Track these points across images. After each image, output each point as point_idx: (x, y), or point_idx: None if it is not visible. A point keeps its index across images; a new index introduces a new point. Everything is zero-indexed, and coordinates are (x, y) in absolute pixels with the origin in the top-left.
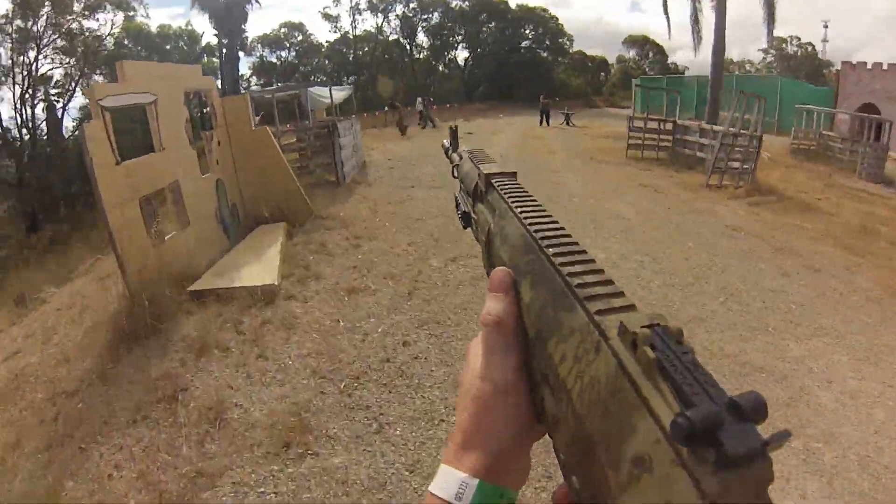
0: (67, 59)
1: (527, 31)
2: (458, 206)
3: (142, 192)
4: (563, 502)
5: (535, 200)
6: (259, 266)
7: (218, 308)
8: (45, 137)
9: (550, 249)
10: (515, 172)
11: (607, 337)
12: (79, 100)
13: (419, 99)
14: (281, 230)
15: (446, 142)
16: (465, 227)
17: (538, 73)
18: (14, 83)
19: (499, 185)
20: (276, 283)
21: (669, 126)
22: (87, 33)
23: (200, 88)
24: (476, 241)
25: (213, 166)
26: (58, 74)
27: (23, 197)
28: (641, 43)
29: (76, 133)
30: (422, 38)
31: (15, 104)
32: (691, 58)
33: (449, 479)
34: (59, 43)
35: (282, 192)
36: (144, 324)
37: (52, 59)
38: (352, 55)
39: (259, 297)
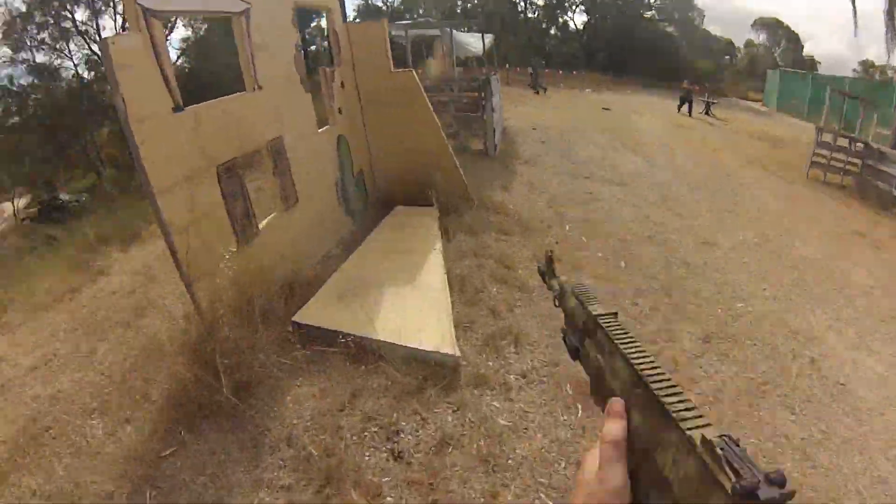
0: None
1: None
2: (565, 338)
3: (222, 156)
4: None
5: (634, 341)
6: (415, 295)
7: (344, 369)
8: None
9: (653, 385)
10: (616, 313)
11: (695, 445)
12: (182, 31)
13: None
14: (433, 221)
15: (541, 265)
16: (573, 360)
17: (662, 49)
18: (116, 12)
19: (606, 326)
20: (456, 354)
21: (860, 146)
22: None
23: (317, 4)
24: (586, 372)
25: (335, 117)
26: None
27: None
28: (773, 27)
29: (177, 62)
30: None
31: (117, 33)
32: (826, 49)
33: None
34: None
35: (431, 165)
36: (220, 396)
37: None
38: (459, 5)
39: (422, 368)
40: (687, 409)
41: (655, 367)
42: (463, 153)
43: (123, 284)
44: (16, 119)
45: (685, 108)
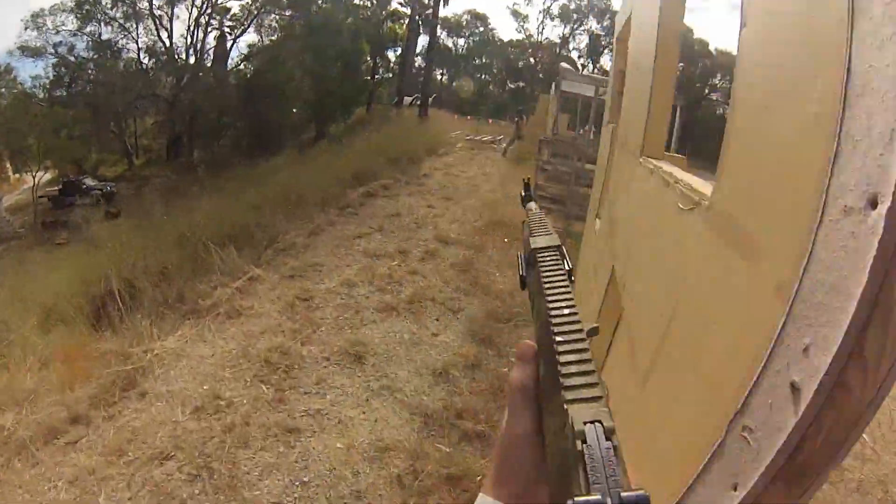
0: None
1: (717, 81)
2: (518, 267)
3: None
4: None
5: (564, 283)
6: None
7: None
8: (210, 65)
9: (557, 337)
10: (559, 245)
11: (568, 424)
12: (250, 36)
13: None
14: None
15: (521, 192)
16: (522, 289)
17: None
18: (193, 4)
19: (540, 260)
20: None
21: None
22: None
23: None
24: (529, 301)
25: None
26: (235, 7)
27: (174, 115)
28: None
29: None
30: (605, 60)
31: (188, 26)
32: None
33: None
34: None
35: None
36: None
37: None
38: (522, 61)
39: None
40: (582, 374)
41: (571, 317)
42: None
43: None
44: (64, 91)
45: None
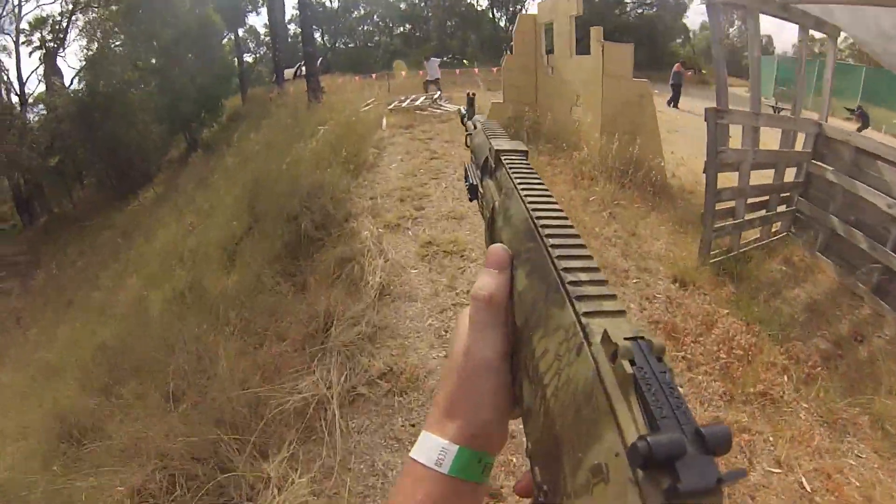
0: None
1: None
2: (466, 177)
3: None
4: (524, 490)
5: (542, 184)
6: None
7: None
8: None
9: (549, 240)
10: (527, 151)
11: (590, 342)
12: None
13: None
14: None
15: (463, 109)
16: (471, 200)
17: (646, 36)
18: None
19: (508, 163)
20: None
21: None
22: None
23: None
24: (481, 216)
25: None
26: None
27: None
28: (729, 9)
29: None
30: None
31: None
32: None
33: (430, 444)
34: None
35: None
36: None
37: None
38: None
39: None
40: (592, 283)
41: (559, 217)
42: None
43: None
44: None
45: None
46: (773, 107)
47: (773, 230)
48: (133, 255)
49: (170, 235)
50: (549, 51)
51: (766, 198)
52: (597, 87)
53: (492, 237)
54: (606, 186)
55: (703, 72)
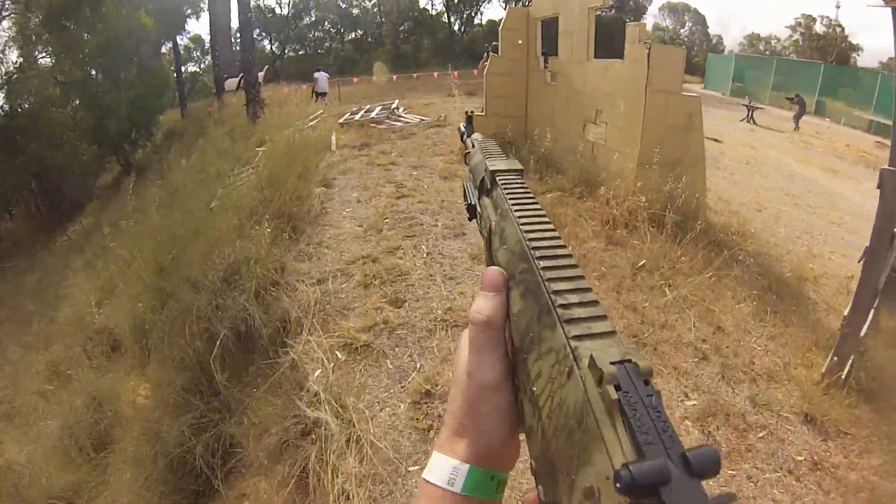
0: None
1: None
2: (465, 195)
3: None
4: None
5: (536, 204)
6: None
7: None
8: None
9: (541, 262)
10: (522, 170)
11: (579, 366)
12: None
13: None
14: None
15: (462, 126)
16: (470, 219)
17: (604, 38)
18: None
19: (503, 184)
20: None
21: None
22: None
23: None
24: (480, 234)
25: None
26: None
27: None
28: (679, 11)
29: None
30: None
31: None
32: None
33: (441, 465)
34: None
35: None
36: None
37: None
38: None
39: None
40: (582, 305)
41: (551, 238)
42: None
43: None
44: None
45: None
46: (747, 106)
47: None
48: (44, 325)
49: (78, 304)
50: (546, 53)
51: None
52: (635, 104)
53: (490, 258)
54: (654, 241)
55: None
